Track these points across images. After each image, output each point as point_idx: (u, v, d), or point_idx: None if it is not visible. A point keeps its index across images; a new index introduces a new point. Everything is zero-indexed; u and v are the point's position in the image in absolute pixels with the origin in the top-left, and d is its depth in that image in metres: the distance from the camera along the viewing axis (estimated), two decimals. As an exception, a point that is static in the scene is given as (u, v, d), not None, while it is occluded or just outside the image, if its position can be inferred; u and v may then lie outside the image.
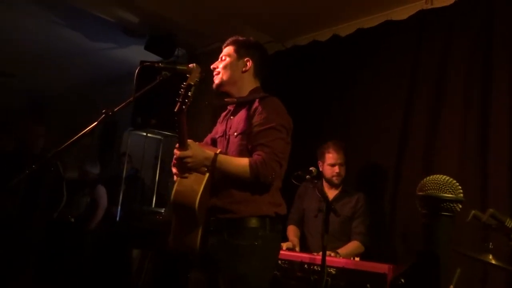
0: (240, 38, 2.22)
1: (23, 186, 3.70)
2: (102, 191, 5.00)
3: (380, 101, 3.66)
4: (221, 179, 1.98)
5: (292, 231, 3.30)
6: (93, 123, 1.79)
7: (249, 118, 2.04)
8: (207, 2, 4.14)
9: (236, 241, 1.93)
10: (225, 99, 2.20)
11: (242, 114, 2.10)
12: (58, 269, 4.44)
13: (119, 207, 5.16)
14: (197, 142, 2.00)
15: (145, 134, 5.46)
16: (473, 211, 1.46)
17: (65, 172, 4.35)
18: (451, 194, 1.26)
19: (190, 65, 1.89)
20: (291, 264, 2.74)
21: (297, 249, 3.07)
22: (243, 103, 2.14)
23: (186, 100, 1.75)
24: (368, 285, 2.46)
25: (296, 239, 3.19)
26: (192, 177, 1.92)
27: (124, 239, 4.70)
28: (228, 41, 2.23)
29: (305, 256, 2.75)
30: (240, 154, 2.01)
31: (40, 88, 7.70)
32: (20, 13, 4.92)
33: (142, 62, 1.95)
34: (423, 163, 3.22)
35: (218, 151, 2.01)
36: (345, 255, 2.86)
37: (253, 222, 1.95)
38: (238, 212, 1.95)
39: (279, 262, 2.75)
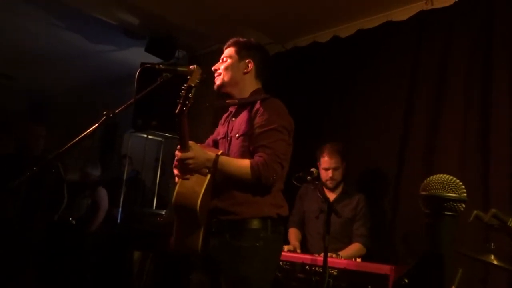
0: (241, 40, 2.22)
1: (24, 188, 3.70)
2: (103, 193, 5.00)
3: (380, 101, 3.66)
4: (223, 181, 1.98)
5: (293, 234, 3.29)
6: (94, 125, 1.80)
7: (250, 120, 2.04)
8: (207, 4, 4.14)
9: (238, 243, 1.93)
10: (227, 101, 2.20)
11: (243, 115, 2.10)
12: (59, 271, 4.44)
13: (120, 209, 5.16)
14: (198, 144, 2.00)
15: (145, 136, 5.46)
16: (475, 211, 1.46)
17: (66, 174, 4.35)
18: (455, 193, 1.26)
19: (191, 67, 1.89)
20: (293, 265, 2.74)
21: (298, 251, 3.06)
22: (244, 105, 2.14)
23: (187, 102, 1.75)
24: (369, 286, 2.46)
25: (298, 243, 3.19)
26: (194, 178, 1.92)
27: (125, 241, 4.70)
28: (229, 43, 2.23)
29: (306, 257, 2.75)
30: (242, 155, 2.01)
31: (40, 89, 7.71)
32: (20, 15, 4.92)
33: (142, 64, 1.95)
34: (423, 163, 3.22)
35: (220, 152, 2.01)
36: (346, 257, 2.85)
37: (255, 224, 1.94)
38: (239, 213, 1.95)
39: (281, 263, 2.75)
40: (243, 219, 1.95)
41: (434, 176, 1.31)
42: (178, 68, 1.93)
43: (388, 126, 3.54)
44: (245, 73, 2.16)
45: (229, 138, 2.13)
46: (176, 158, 1.91)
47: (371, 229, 3.14)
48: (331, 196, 3.18)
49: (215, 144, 2.25)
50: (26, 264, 3.83)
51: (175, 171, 1.97)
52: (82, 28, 5.17)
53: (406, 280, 1.18)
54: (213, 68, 2.19)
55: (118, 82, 6.20)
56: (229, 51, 2.19)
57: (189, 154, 1.87)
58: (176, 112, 1.76)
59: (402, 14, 3.67)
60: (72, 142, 1.75)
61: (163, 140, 5.58)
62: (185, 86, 1.76)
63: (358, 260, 2.72)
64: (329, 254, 2.77)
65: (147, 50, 4.95)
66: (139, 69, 1.92)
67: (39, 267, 4.07)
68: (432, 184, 1.30)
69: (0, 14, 4.93)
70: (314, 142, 3.51)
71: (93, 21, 4.75)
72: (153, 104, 4.09)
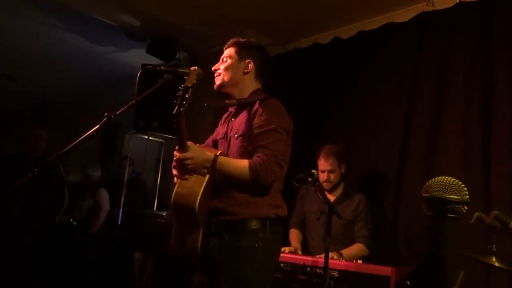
0: (241, 40, 2.22)
1: (25, 189, 3.70)
2: (104, 194, 5.00)
3: (381, 102, 3.66)
4: (222, 181, 1.98)
5: (294, 235, 3.29)
6: (95, 126, 1.80)
7: (249, 120, 2.04)
8: (208, 5, 4.14)
9: (238, 243, 1.93)
10: (225, 101, 2.20)
11: (243, 116, 2.10)
12: (60, 272, 4.44)
13: (121, 210, 5.16)
14: (197, 144, 2.01)
15: (146, 137, 5.46)
16: (477, 213, 1.46)
17: (67, 175, 4.35)
18: (457, 195, 1.26)
19: (192, 68, 1.90)
20: (294, 267, 2.74)
21: (300, 253, 3.06)
22: (244, 105, 2.14)
23: (184, 103, 1.75)
24: (370, 288, 2.45)
25: (299, 244, 3.18)
26: (193, 179, 1.92)
27: (126, 242, 4.70)
28: (229, 43, 2.23)
29: (307, 259, 2.74)
30: (241, 156, 2.01)
31: (41, 91, 7.72)
32: (21, 17, 4.93)
33: (143, 65, 1.96)
34: (424, 164, 3.21)
35: (218, 152, 2.01)
36: (348, 256, 2.85)
37: (254, 224, 1.95)
38: (238, 214, 1.95)
39: (282, 265, 2.75)
40: (242, 219, 1.95)
41: (436, 178, 1.31)
42: (179, 70, 1.93)
43: (388, 127, 3.54)
44: (245, 73, 2.16)
45: (228, 138, 2.13)
46: (174, 158, 1.92)
47: (372, 230, 3.13)
48: (331, 197, 3.18)
49: (215, 144, 2.25)
50: (26, 265, 3.83)
51: (174, 172, 1.97)
52: (82, 29, 5.18)
53: (408, 282, 1.18)
54: (213, 68, 2.20)
55: (119, 84, 6.21)
56: (229, 51, 2.20)
57: (187, 154, 1.88)
58: (174, 113, 1.77)
59: (403, 15, 3.67)
60: (73, 144, 1.75)
61: (164, 141, 5.58)
62: (182, 87, 1.77)
63: (359, 261, 2.72)
64: (331, 254, 2.78)
65: (148, 51, 4.96)
66: (140, 71, 1.92)
67: (40, 268, 4.07)
68: (434, 186, 1.30)
69: (0, 15, 4.94)
70: (315, 142, 3.50)
71: (94, 22, 4.75)
72: (154, 105, 4.09)
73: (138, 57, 5.28)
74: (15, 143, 4.10)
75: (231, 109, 2.24)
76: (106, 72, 6.50)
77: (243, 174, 1.91)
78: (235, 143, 2.07)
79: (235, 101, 2.16)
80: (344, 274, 2.55)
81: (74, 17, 4.77)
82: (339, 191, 3.25)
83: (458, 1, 3.28)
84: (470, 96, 3.08)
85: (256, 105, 2.06)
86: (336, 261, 2.67)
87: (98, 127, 1.80)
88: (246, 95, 2.16)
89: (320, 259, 2.64)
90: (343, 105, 3.95)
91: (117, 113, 1.83)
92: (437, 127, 3.22)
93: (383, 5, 3.74)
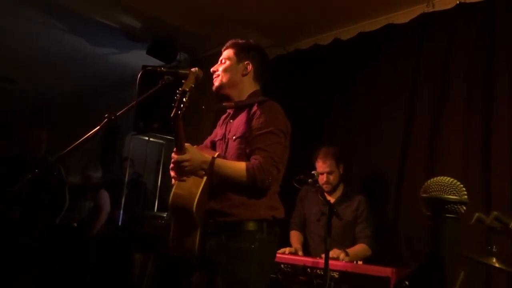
0: (240, 41, 2.22)
1: (26, 190, 3.71)
2: (105, 196, 5.00)
3: (381, 104, 3.66)
4: (219, 183, 1.99)
5: (295, 237, 3.29)
6: (95, 128, 1.80)
7: (247, 122, 2.05)
8: (209, 7, 4.15)
9: (235, 244, 1.94)
10: (224, 103, 2.21)
11: (241, 117, 2.11)
12: (60, 273, 4.44)
13: (121, 212, 5.16)
14: (195, 146, 2.01)
15: (147, 138, 5.47)
16: (477, 214, 1.46)
17: (67, 177, 4.36)
18: (456, 196, 1.26)
19: (192, 69, 1.91)
20: (294, 268, 2.74)
21: (300, 253, 3.06)
22: (242, 107, 2.14)
23: (182, 106, 1.76)
24: (371, 289, 2.45)
25: (299, 246, 3.18)
26: (190, 180, 1.93)
27: (126, 243, 4.70)
28: (227, 44, 2.24)
29: (307, 259, 2.74)
30: (239, 157, 2.02)
31: (42, 92, 7.73)
32: (22, 17, 4.94)
33: (144, 66, 1.96)
34: (425, 165, 3.21)
35: (216, 154, 2.02)
36: (353, 255, 2.84)
37: (251, 225, 1.96)
38: (236, 215, 1.96)
39: (282, 266, 2.75)
40: (240, 220, 1.96)
41: (435, 179, 1.32)
42: (179, 71, 1.94)
43: (389, 128, 3.54)
44: (243, 75, 2.17)
45: (226, 140, 2.14)
46: (172, 160, 1.93)
47: (374, 230, 3.13)
48: (331, 199, 3.18)
49: (213, 146, 2.26)
50: (27, 266, 3.83)
51: (172, 173, 1.98)
52: (83, 30, 5.18)
53: (406, 283, 1.18)
54: (211, 70, 2.20)
55: (120, 85, 6.22)
56: (227, 52, 2.20)
57: (185, 156, 1.88)
58: (171, 116, 1.78)
59: (403, 16, 3.68)
60: (73, 145, 1.76)
61: (164, 142, 5.59)
62: (179, 90, 1.77)
63: (360, 262, 2.72)
64: (337, 252, 2.78)
65: (149, 52, 4.96)
66: (140, 72, 1.93)
67: (40, 269, 4.07)
68: (433, 186, 1.30)
69: (1, 17, 4.95)
70: (315, 144, 3.50)
71: (95, 23, 4.76)
72: (155, 106, 4.09)
73: (138, 58, 5.29)
74: (15, 144, 4.11)
75: (230, 111, 2.25)
76: (106, 73, 6.51)
77: (241, 176, 1.92)
78: (233, 145, 2.07)
79: (233, 104, 2.17)
80: (344, 275, 2.55)
81: (75, 18, 4.78)
82: (339, 192, 3.25)
83: (458, 2, 3.28)
84: (470, 97, 3.08)
85: (255, 108, 2.07)
86: (336, 262, 2.67)
87: (99, 128, 1.81)
88: (244, 96, 2.17)
89: (320, 260, 2.64)
90: (344, 105, 3.95)
91: (118, 114, 1.84)
92: (437, 128, 3.22)
93: (383, 6, 3.74)
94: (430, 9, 3.49)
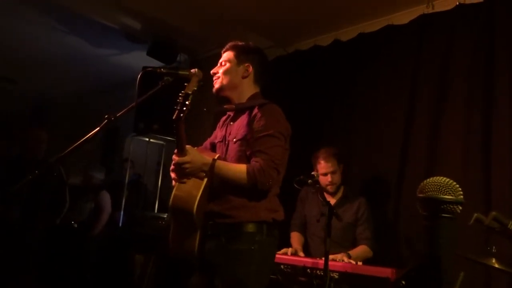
0: (240, 43, 2.22)
1: (26, 191, 3.71)
2: (106, 197, 4.99)
3: (381, 104, 3.66)
4: (219, 185, 1.99)
5: (295, 238, 3.28)
6: (95, 129, 1.80)
7: (248, 125, 2.05)
8: (209, 7, 4.15)
9: (235, 246, 1.94)
10: (224, 106, 2.21)
11: (241, 120, 2.11)
12: (60, 274, 4.44)
13: (122, 213, 5.16)
14: (195, 148, 2.02)
15: (147, 139, 5.47)
16: (475, 214, 1.46)
17: (68, 178, 4.36)
18: (451, 196, 1.27)
19: (192, 70, 1.91)
20: (294, 268, 2.74)
21: (301, 254, 3.06)
22: (243, 109, 2.14)
23: (184, 108, 1.77)
24: (370, 290, 2.45)
25: (300, 247, 3.17)
26: (191, 182, 1.94)
27: (127, 244, 4.71)
28: (227, 46, 2.23)
29: (308, 260, 2.74)
30: (239, 160, 2.02)
31: (42, 93, 7.74)
32: (22, 18, 4.95)
33: (144, 67, 1.96)
34: (425, 165, 3.21)
35: (216, 156, 2.03)
36: (355, 257, 2.84)
37: (251, 227, 1.96)
38: (236, 217, 1.96)
39: (282, 266, 2.75)
40: (239, 222, 1.96)
41: (431, 179, 1.32)
42: (179, 72, 1.94)
43: (389, 128, 3.54)
44: (243, 77, 2.17)
45: (226, 142, 2.14)
46: (173, 162, 1.93)
47: (375, 232, 3.13)
48: (332, 200, 3.17)
49: (213, 147, 2.26)
50: (27, 266, 3.83)
51: (172, 175, 1.99)
52: (83, 32, 5.19)
53: (403, 282, 1.18)
54: (211, 72, 2.20)
55: (120, 86, 6.23)
56: (227, 55, 2.20)
57: (186, 158, 1.89)
58: (174, 118, 1.79)
59: (403, 17, 3.68)
60: (73, 146, 1.76)
61: (164, 143, 5.59)
62: (182, 93, 1.78)
63: (360, 263, 2.72)
64: (339, 255, 2.78)
65: (149, 54, 4.96)
66: (140, 73, 1.93)
67: (40, 270, 4.07)
68: (429, 186, 1.31)
69: (1, 17, 4.96)
70: (315, 145, 3.50)
71: (95, 24, 4.77)
72: (155, 107, 4.10)
73: (138, 59, 5.30)
74: (15, 144, 4.11)
75: (230, 113, 2.25)
76: (106, 74, 6.52)
77: (241, 178, 1.92)
78: (233, 147, 2.07)
79: (234, 106, 2.17)
80: (344, 275, 2.55)
81: (75, 19, 4.79)
82: (339, 194, 3.25)
83: (458, 3, 3.28)
84: (470, 97, 3.09)
85: (255, 110, 2.07)
86: (336, 263, 2.67)
87: (99, 129, 1.81)
88: (244, 99, 2.17)
89: (320, 260, 2.64)
90: (344, 106, 3.95)
91: (118, 115, 1.85)
92: (437, 128, 3.22)
93: (383, 7, 3.75)
94: (430, 10, 3.49)
